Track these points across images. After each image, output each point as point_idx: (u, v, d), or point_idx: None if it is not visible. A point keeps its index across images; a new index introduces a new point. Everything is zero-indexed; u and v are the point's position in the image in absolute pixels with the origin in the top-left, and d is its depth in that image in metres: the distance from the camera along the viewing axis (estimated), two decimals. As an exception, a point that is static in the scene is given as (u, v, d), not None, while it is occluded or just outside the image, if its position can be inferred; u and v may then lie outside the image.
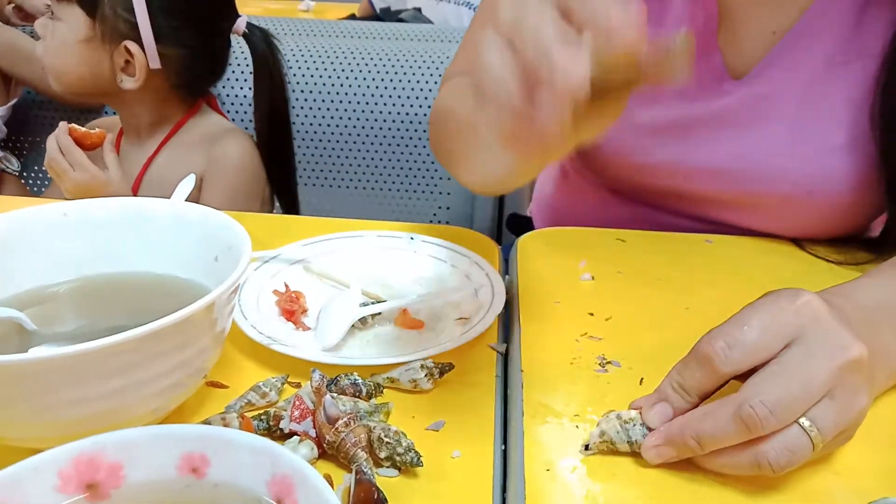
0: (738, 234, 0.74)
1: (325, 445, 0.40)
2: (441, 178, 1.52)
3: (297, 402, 0.41)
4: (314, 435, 0.41)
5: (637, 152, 0.74)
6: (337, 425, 0.40)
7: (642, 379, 0.49)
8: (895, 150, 0.63)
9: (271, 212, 1.21)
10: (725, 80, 0.69)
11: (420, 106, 1.38)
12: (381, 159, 1.40)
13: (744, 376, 0.39)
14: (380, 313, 0.55)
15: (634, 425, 0.42)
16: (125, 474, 0.34)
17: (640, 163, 0.74)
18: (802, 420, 0.37)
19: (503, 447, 0.44)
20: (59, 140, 0.99)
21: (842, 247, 0.71)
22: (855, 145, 0.66)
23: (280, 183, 1.16)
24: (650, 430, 0.41)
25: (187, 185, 0.70)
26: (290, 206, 1.20)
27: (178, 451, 0.34)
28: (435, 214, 1.43)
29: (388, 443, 0.40)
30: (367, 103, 1.37)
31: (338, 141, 1.37)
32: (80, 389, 0.35)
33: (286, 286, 0.58)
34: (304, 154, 1.40)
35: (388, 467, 0.40)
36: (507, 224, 1.13)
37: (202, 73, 1.12)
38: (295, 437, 0.41)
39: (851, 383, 0.38)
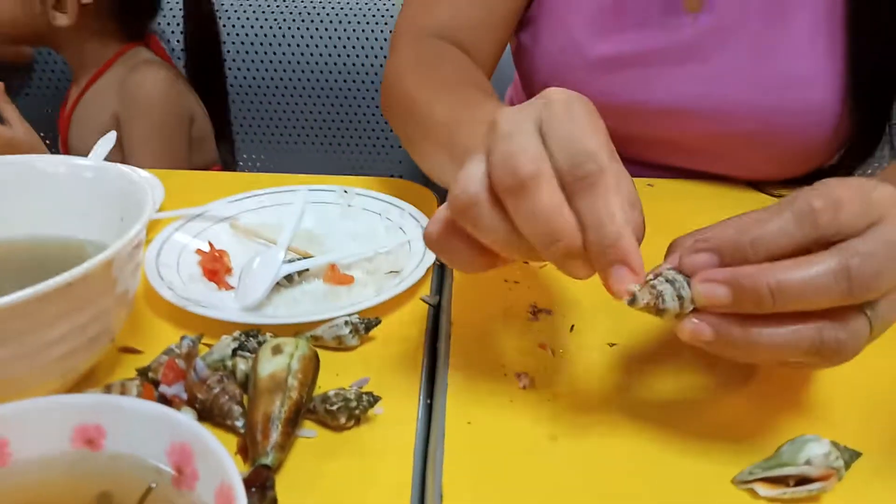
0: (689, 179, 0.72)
1: (196, 405, 0.38)
2: (391, 133, 1.48)
3: (171, 364, 0.39)
4: (185, 397, 0.39)
5: (591, 92, 0.71)
6: (209, 381, 0.38)
7: (573, 326, 0.47)
8: (865, 55, 0.61)
9: (213, 161, 1.16)
10: (681, 13, 0.66)
11: (367, 56, 1.33)
12: (328, 113, 1.36)
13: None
14: (307, 269, 0.53)
15: (683, 284, 0.34)
16: (12, 451, 0.32)
17: (595, 104, 0.71)
18: (867, 310, 0.32)
19: (428, 402, 0.43)
20: None
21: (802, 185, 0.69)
22: (821, 72, 0.63)
23: (215, 127, 1.12)
24: None
25: (106, 143, 0.66)
26: (228, 154, 1.17)
27: (71, 423, 0.32)
28: (388, 170, 1.40)
29: (339, 406, 0.38)
30: (312, 54, 1.32)
31: (281, 94, 1.32)
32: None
33: (210, 245, 0.55)
34: (247, 109, 1.35)
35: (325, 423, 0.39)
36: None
37: (136, 10, 1.10)
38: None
39: None
